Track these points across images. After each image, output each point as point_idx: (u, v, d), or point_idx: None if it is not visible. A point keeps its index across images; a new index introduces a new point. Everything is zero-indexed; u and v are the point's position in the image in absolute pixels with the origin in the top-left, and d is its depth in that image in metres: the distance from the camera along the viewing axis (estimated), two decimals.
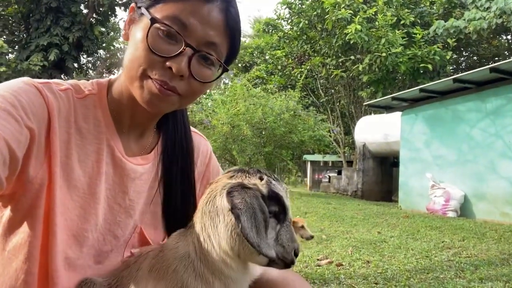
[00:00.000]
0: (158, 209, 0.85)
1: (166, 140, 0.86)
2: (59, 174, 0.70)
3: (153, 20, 0.67)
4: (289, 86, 15.29)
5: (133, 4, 0.74)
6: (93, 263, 0.76)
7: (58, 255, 0.70)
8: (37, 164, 0.68)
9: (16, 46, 13.89)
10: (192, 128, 0.96)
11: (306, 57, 14.49)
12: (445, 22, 11.28)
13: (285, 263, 0.66)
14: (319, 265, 3.27)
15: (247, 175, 0.69)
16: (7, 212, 0.71)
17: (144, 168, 0.82)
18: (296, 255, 0.66)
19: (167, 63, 0.68)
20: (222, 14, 0.71)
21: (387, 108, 8.89)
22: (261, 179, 0.67)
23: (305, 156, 14.67)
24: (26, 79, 0.70)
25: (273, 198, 0.66)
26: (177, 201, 0.85)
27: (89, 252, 0.75)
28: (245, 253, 0.65)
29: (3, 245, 0.71)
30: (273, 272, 0.79)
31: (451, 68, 13.14)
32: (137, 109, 0.77)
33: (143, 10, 0.70)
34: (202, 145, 0.96)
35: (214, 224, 0.66)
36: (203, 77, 0.72)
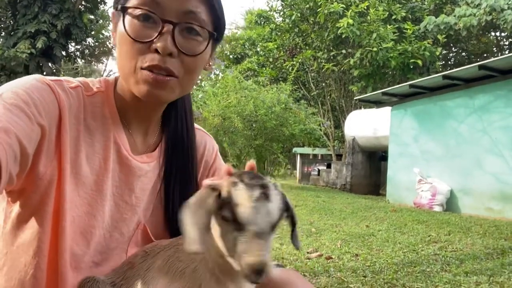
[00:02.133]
0: (160, 206, 0.87)
1: (169, 138, 0.87)
2: (69, 170, 0.71)
3: (124, 8, 0.68)
4: (280, 79, 15.28)
5: (113, 11, 0.75)
6: (99, 260, 0.77)
7: (66, 251, 0.71)
8: (47, 161, 0.69)
9: (3, 33, 13.59)
10: (198, 127, 0.97)
11: (298, 50, 14.48)
12: (436, 18, 11.37)
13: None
14: (309, 258, 3.32)
15: (229, 178, 0.65)
16: (16, 208, 0.71)
17: (149, 166, 0.84)
18: (258, 271, 0.56)
19: (152, 46, 0.68)
20: None
21: (377, 103, 8.97)
22: (231, 183, 0.63)
23: (295, 149, 14.74)
24: (38, 76, 0.71)
25: (228, 203, 0.61)
26: (176, 198, 0.86)
27: (95, 248, 0.76)
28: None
29: (12, 240, 0.72)
30: (275, 271, 0.81)
31: (440, 64, 13.26)
32: (140, 103, 0.77)
33: (119, 7, 0.70)
34: (208, 143, 0.97)
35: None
36: (193, 50, 0.72)
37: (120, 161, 0.79)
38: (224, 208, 0.61)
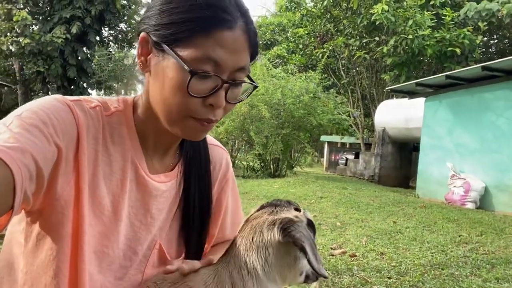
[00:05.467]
0: (177, 225, 0.86)
1: (186, 157, 0.87)
2: (86, 191, 0.72)
3: (194, 73, 0.65)
4: (310, 66, 15.02)
5: (144, 35, 0.70)
6: (113, 279, 0.77)
7: (85, 272, 0.72)
8: (64, 182, 0.69)
9: (40, 18, 13.99)
10: (212, 139, 0.96)
11: (329, 36, 14.13)
12: (477, 4, 10.74)
13: (317, 277, 0.77)
14: (332, 255, 3.29)
15: (284, 208, 0.77)
16: (36, 228, 0.73)
17: (166, 186, 0.83)
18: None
19: (207, 101, 0.69)
20: (245, 34, 0.70)
21: (410, 94, 8.66)
22: (297, 210, 0.76)
23: (322, 136, 14.56)
24: (59, 96, 0.72)
25: (310, 225, 0.75)
26: (195, 217, 0.86)
27: (109, 268, 0.76)
28: (291, 277, 0.76)
29: (32, 259, 0.73)
30: None
31: (479, 52, 12.59)
32: (162, 132, 0.78)
33: (167, 49, 0.67)
34: (224, 159, 0.97)
35: (262, 258, 0.73)
36: (236, 98, 0.75)
37: (137, 181, 0.79)
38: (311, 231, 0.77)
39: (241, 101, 0.77)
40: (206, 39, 0.65)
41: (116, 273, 0.77)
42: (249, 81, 0.75)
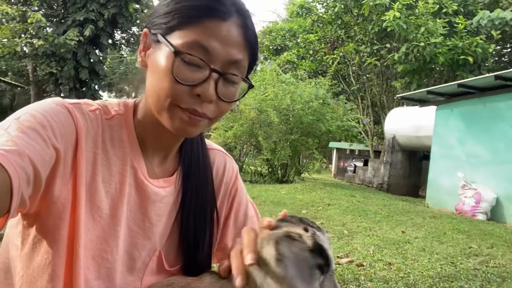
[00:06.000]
0: (176, 232, 0.84)
1: (186, 162, 0.86)
2: (84, 194, 0.71)
3: (177, 52, 0.66)
4: (320, 72, 15.00)
5: (145, 30, 0.73)
6: (111, 285, 0.76)
7: (80, 277, 0.70)
8: (62, 185, 0.69)
9: (54, 20, 14.20)
10: (217, 146, 0.95)
11: (340, 42, 14.10)
12: (490, 12, 10.62)
13: None
14: (339, 264, 3.23)
15: (291, 225, 0.68)
16: (32, 231, 0.72)
17: (165, 191, 0.82)
18: None
19: (195, 91, 0.68)
20: (241, 29, 0.69)
21: (421, 102, 8.57)
22: (306, 230, 0.67)
23: (331, 143, 14.48)
24: (58, 99, 0.71)
25: (318, 250, 0.65)
26: (193, 224, 0.84)
27: (107, 273, 0.75)
28: None
29: (28, 263, 0.72)
30: None
31: (492, 61, 12.43)
32: (162, 133, 0.77)
33: (160, 37, 0.68)
34: (228, 164, 0.95)
35: (262, 275, 0.66)
36: (230, 97, 0.72)
37: (136, 185, 0.78)
38: (314, 256, 0.65)
39: (236, 100, 0.74)
40: (198, 27, 0.66)
41: (114, 279, 0.76)
42: (240, 75, 0.71)
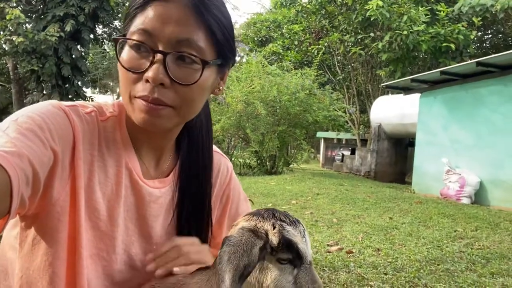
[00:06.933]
0: (173, 232, 0.86)
1: (182, 163, 0.86)
2: (82, 196, 0.72)
3: (115, 40, 0.68)
4: (305, 63, 15.02)
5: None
6: (110, 283, 0.77)
7: (84, 276, 0.72)
8: (61, 186, 0.70)
9: (33, 16, 13.87)
10: (215, 149, 0.95)
11: (324, 32, 14.13)
12: None
13: None
14: (329, 251, 3.30)
15: (261, 219, 0.68)
16: (31, 233, 0.72)
17: (160, 192, 0.83)
18: None
19: (144, 76, 0.67)
20: (189, 9, 0.67)
21: (405, 90, 8.68)
22: (273, 226, 0.67)
23: (318, 133, 14.57)
24: (54, 102, 0.72)
25: (286, 246, 0.66)
26: (188, 224, 0.86)
27: (105, 272, 0.76)
28: None
29: (28, 264, 0.73)
30: None
31: (474, 47, 12.63)
32: (152, 135, 0.78)
33: (114, 35, 0.72)
34: (222, 165, 0.96)
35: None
36: (187, 79, 0.68)
37: (131, 186, 0.79)
38: (279, 251, 0.66)
39: (194, 82, 0.69)
40: (142, 15, 0.68)
41: (112, 277, 0.77)
42: (193, 53, 0.67)
